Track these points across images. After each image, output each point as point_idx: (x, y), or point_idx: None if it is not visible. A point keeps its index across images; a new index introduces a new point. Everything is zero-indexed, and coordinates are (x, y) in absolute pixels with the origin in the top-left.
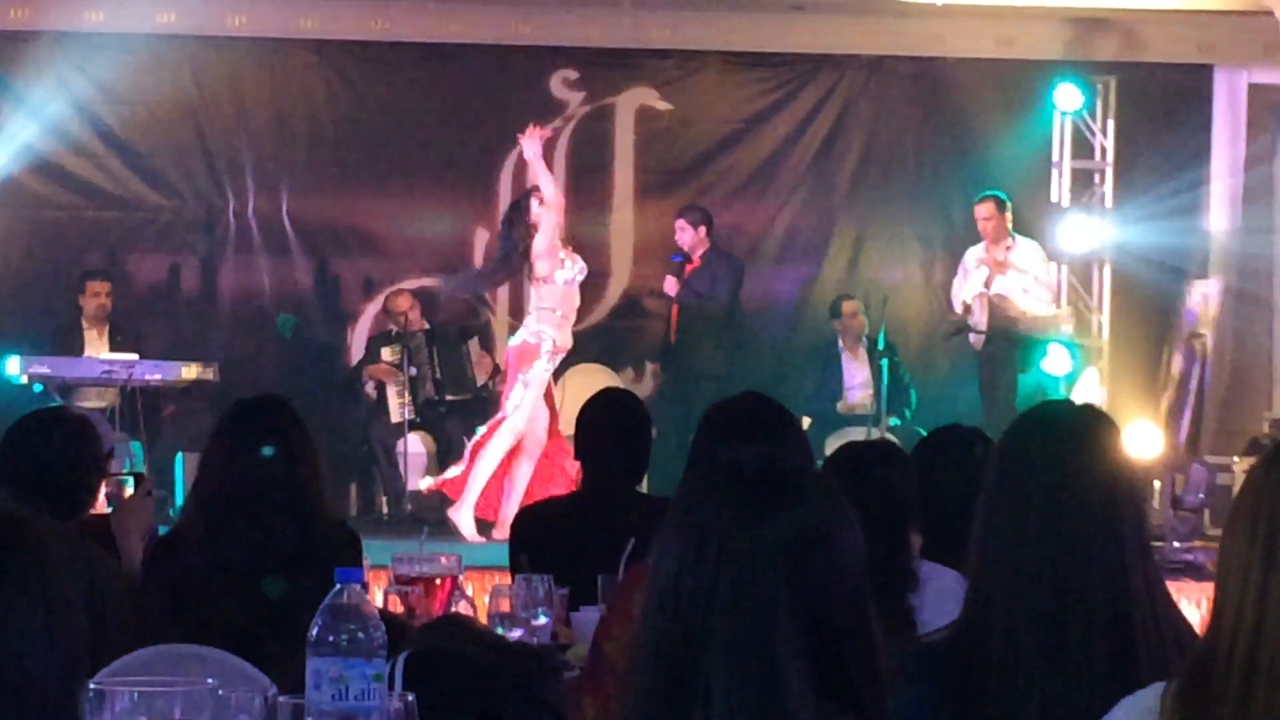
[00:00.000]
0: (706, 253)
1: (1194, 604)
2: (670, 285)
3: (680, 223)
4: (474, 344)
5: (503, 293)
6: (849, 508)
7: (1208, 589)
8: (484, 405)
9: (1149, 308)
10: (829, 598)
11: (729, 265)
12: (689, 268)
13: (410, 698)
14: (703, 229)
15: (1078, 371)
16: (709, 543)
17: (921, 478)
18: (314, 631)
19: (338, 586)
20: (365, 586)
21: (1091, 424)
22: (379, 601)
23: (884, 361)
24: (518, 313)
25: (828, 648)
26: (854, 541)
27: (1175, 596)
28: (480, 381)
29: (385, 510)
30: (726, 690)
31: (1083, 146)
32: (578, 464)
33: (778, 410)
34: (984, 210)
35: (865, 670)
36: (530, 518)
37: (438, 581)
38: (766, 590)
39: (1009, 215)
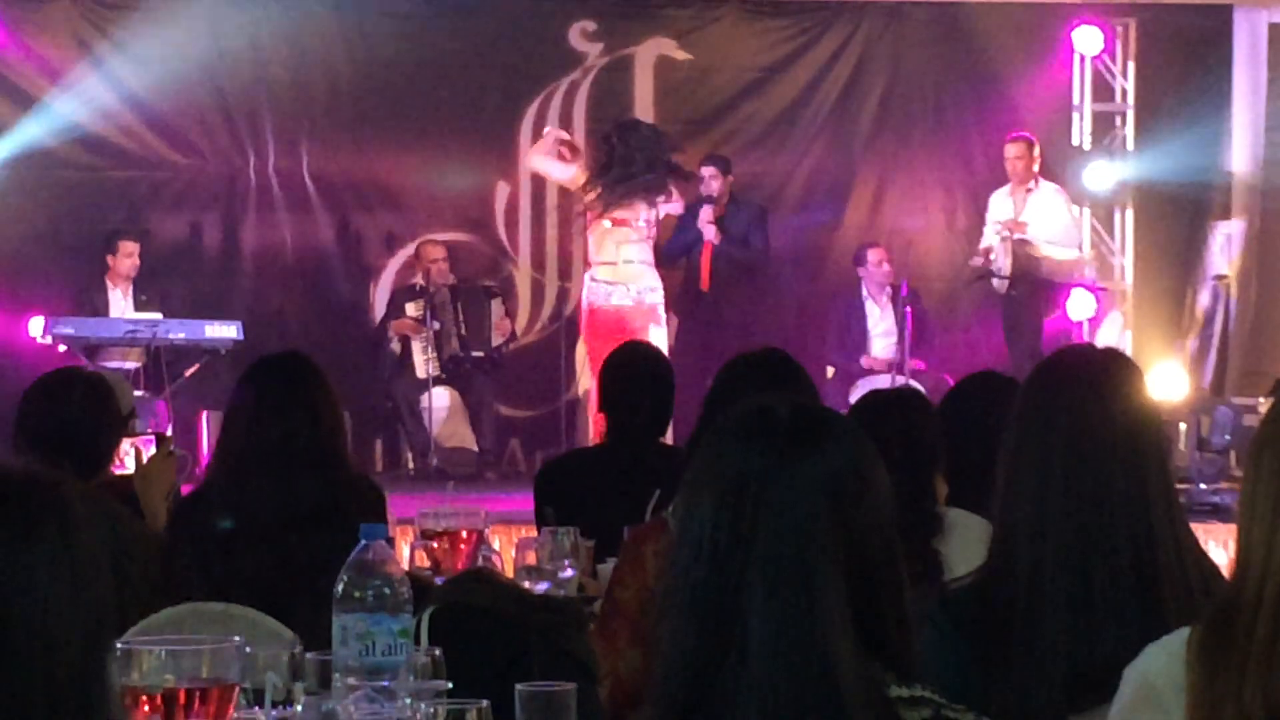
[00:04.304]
0: (730, 201)
1: (1221, 546)
2: (711, 232)
3: (711, 170)
4: (497, 304)
5: (525, 246)
6: (876, 450)
7: (1235, 530)
8: (499, 367)
9: (1172, 250)
10: (865, 538)
11: (757, 211)
12: (715, 213)
13: (437, 652)
14: (730, 177)
15: (1101, 315)
16: (745, 489)
17: (950, 425)
18: (339, 588)
19: (363, 543)
20: (391, 542)
21: (1114, 368)
22: (405, 556)
23: (908, 308)
24: (540, 266)
25: (863, 590)
26: (885, 483)
27: (1202, 538)
28: (496, 343)
29: (411, 465)
30: (765, 636)
31: (1103, 89)
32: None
33: (796, 368)
34: (1015, 150)
35: (897, 614)
36: (555, 470)
37: (463, 535)
38: (805, 533)
39: (1037, 157)
